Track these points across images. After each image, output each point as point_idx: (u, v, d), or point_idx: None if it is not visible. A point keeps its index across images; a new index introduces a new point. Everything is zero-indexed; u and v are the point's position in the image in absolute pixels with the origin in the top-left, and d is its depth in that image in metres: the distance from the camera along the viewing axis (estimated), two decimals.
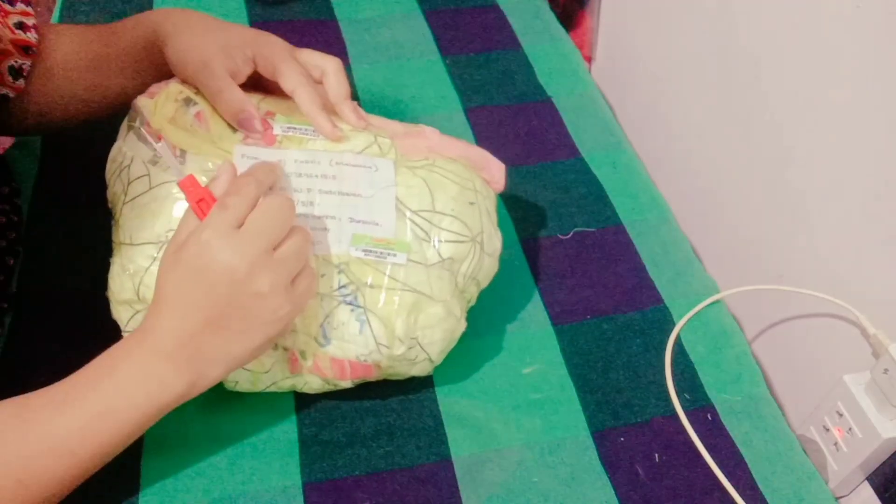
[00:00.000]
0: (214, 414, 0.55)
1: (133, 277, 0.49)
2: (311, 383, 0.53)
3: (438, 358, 0.54)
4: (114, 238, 0.52)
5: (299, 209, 0.51)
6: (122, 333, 0.51)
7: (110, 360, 0.46)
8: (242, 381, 0.52)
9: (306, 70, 0.55)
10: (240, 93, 0.54)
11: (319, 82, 0.57)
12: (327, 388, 0.54)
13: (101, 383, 0.45)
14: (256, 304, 0.45)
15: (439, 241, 0.53)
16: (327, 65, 0.56)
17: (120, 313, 0.51)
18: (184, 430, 0.54)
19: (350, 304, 0.50)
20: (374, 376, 0.53)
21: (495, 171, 0.58)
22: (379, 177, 0.53)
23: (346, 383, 0.53)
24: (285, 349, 0.51)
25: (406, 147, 0.55)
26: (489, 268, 0.57)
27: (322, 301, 0.50)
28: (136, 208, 0.50)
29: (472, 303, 0.57)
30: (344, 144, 0.54)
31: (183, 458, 0.52)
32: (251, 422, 0.55)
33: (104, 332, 0.51)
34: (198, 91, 0.55)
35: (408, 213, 0.52)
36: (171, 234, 0.49)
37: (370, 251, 0.51)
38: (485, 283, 0.57)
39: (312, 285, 0.48)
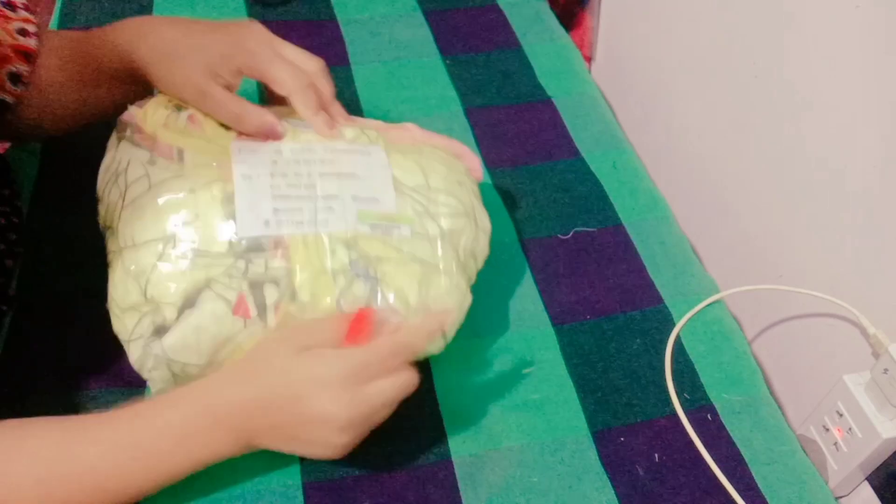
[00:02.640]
0: None
1: (138, 277, 0.48)
2: None
3: (451, 331, 0.54)
4: (110, 248, 0.51)
5: (301, 191, 0.51)
6: (125, 344, 0.50)
7: (162, 404, 0.46)
8: None
9: (296, 70, 0.55)
10: (254, 108, 0.54)
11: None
12: None
13: (143, 431, 0.45)
14: (324, 443, 0.47)
15: (438, 215, 0.54)
16: (312, 66, 0.56)
17: (125, 322, 0.49)
18: None
19: (363, 277, 0.51)
20: None
21: (473, 162, 0.61)
22: (373, 159, 0.54)
23: None
24: None
25: (392, 137, 0.57)
26: (484, 246, 0.58)
27: (335, 277, 0.50)
28: (138, 209, 0.50)
29: (473, 281, 0.57)
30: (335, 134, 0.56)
31: None
32: None
33: (104, 333, 0.51)
34: None
35: (405, 190, 0.54)
36: (176, 231, 0.49)
37: (376, 226, 0.52)
38: (481, 262, 0.58)
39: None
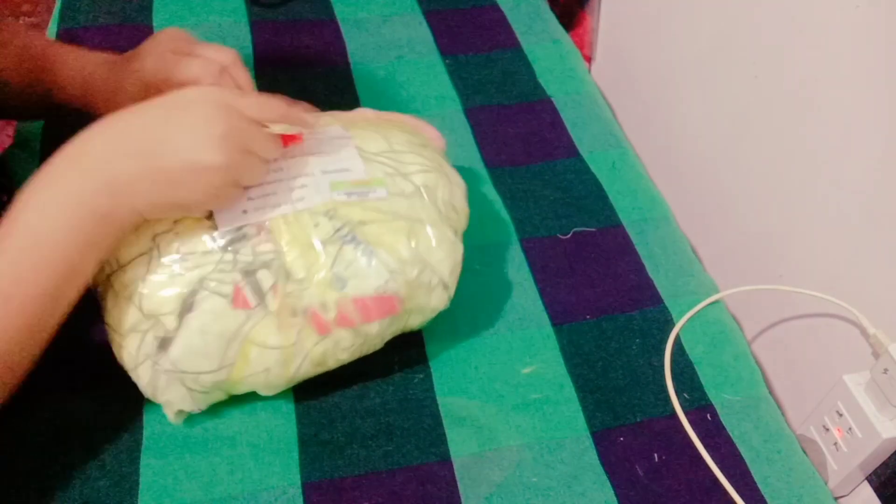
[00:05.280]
0: (214, 414, 0.55)
1: (132, 297, 0.48)
2: (342, 342, 0.52)
3: (451, 281, 0.54)
4: (97, 281, 0.51)
5: (270, 176, 0.52)
6: (133, 374, 0.49)
7: (31, 187, 0.44)
8: (273, 367, 0.51)
9: (205, 61, 0.57)
10: None
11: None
12: (357, 347, 0.53)
13: (21, 215, 0.43)
14: (199, 146, 0.44)
15: (409, 174, 0.55)
16: (224, 56, 0.58)
17: (128, 348, 0.49)
18: (183, 430, 0.54)
19: (351, 242, 0.51)
20: (398, 311, 0.53)
21: (432, 133, 0.62)
22: (333, 135, 0.56)
23: (375, 328, 0.53)
24: (305, 312, 0.50)
25: (346, 119, 0.59)
26: (461, 200, 0.59)
27: (325, 248, 0.51)
28: None
29: (459, 234, 0.58)
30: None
31: (182, 458, 0.52)
32: (251, 422, 0.55)
33: (97, 332, 0.51)
34: None
35: (371, 157, 0.55)
36: (158, 241, 0.48)
37: (352, 193, 0.53)
38: (464, 218, 0.59)
39: (258, 173, 0.49)
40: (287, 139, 0.51)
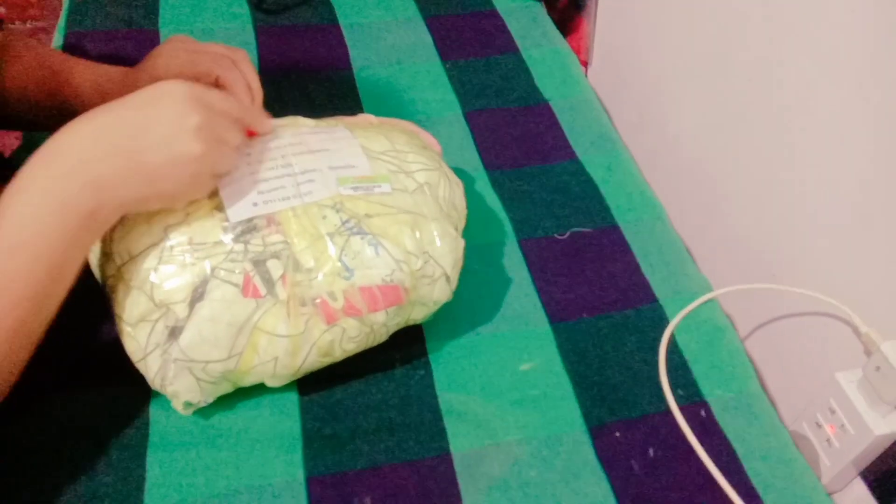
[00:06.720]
0: (218, 409, 0.55)
1: (142, 286, 0.49)
2: (349, 332, 0.53)
3: (453, 274, 0.56)
4: (108, 274, 0.52)
5: (279, 171, 0.53)
6: (142, 365, 0.50)
7: (10, 192, 0.44)
8: (282, 356, 0.52)
9: (217, 56, 0.59)
10: None
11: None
12: (363, 338, 0.54)
13: (4, 218, 0.43)
14: (178, 138, 0.46)
15: (411, 172, 0.57)
16: (235, 54, 0.59)
17: (137, 337, 0.49)
18: (189, 426, 0.55)
19: (358, 233, 0.52)
20: (404, 301, 0.54)
21: (430, 139, 0.65)
22: (338, 135, 0.57)
23: (381, 318, 0.54)
24: (314, 301, 0.51)
25: (349, 122, 0.61)
26: (460, 199, 0.61)
27: (332, 239, 0.52)
28: (128, 224, 0.51)
29: (459, 231, 0.59)
30: (296, 122, 0.59)
31: (187, 453, 0.53)
32: (255, 417, 0.55)
33: (104, 329, 0.51)
34: None
35: (375, 155, 0.57)
36: (170, 231, 0.49)
37: (358, 187, 0.54)
38: (462, 217, 0.61)
39: (230, 161, 0.50)
40: (249, 132, 0.53)
